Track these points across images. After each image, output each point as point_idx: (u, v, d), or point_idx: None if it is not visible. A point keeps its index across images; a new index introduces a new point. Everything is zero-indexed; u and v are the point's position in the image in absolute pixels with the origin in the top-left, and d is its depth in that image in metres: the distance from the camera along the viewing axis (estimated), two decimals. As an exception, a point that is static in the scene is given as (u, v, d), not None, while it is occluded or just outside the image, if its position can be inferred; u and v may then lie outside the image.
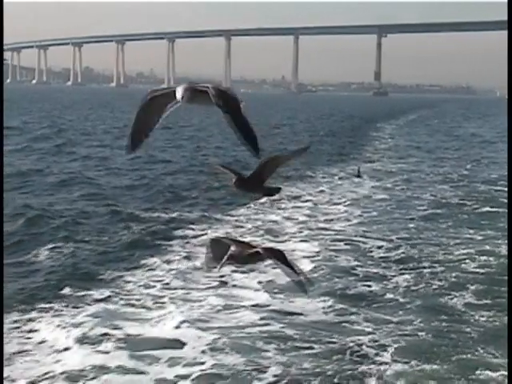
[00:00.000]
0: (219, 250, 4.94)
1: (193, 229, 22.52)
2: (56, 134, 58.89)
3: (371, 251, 20.61)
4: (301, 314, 14.95)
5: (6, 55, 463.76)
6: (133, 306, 15.07)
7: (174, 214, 24.75)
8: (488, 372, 12.17)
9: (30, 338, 13.09)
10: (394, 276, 17.98)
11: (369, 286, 17.11)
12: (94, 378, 11.58)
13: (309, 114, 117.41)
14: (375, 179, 36.55)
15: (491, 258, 19.50)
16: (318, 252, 20.17)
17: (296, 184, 33.22)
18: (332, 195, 30.89)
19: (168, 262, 18.56)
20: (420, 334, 14.04)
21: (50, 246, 19.78)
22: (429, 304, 15.84)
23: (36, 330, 13.45)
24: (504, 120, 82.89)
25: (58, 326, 13.62)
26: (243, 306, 15.30)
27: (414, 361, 12.62)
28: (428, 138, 69.95)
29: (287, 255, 4.84)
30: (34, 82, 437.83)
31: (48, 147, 47.77)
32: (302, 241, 21.55)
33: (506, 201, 27.32)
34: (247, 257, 4.82)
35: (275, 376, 11.96)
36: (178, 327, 13.86)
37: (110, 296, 15.58)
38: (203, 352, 12.78)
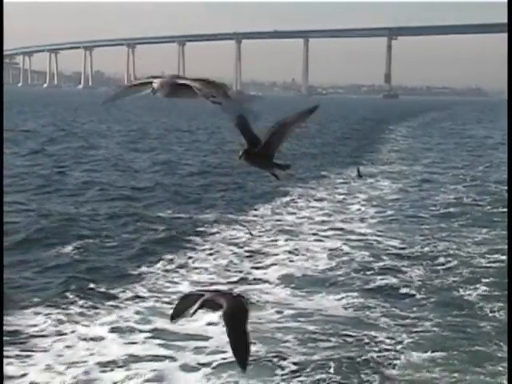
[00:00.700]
0: (187, 303, 4.85)
1: (213, 228, 23.17)
2: (72, 137, 59.68)
3: (387, 249, 21.22)
4: (319, 309, 15.53)
5: (18, 59, 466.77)
6: (160, 302, 15.65)
7: (194, 215, 25.41)
8: (503, 364, 12.55)
9: (72, 332, 13.72)
10: (409, 272, 18.59)
11: (385, 282, 17.72)
12: (126, 366, 12.22)
13: (320, 117, 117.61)
14: (389, 180, 37.20)
15: (503, 257, 19.92)
16: (334, 250, 20.83)
17: (311, 185, 33.95)
18: (347, 195, 31.53)
19: (192, 259, 19.23)
20: (435, 327, 14.57)
21: (76, 245, 20.42)
22: (443, 299, 16.42)
23: (75, 322, 14.14)
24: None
25: (95, 319, 14.32)
26: (264, 302, 15.87)
27: (428, 353, 13.14)
28: (440, 139, 70.25)
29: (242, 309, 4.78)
30: (45, 85, 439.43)
31: (65, 150, 48.48)
32: (318, 240, 22.17)
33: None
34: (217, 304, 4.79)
35: (295, 364, 12.57)
36: (203, 322, 14.37)
37: (139, 293, 16.21)
38: (227, 343, 13.28)
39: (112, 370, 12.08)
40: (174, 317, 4.96)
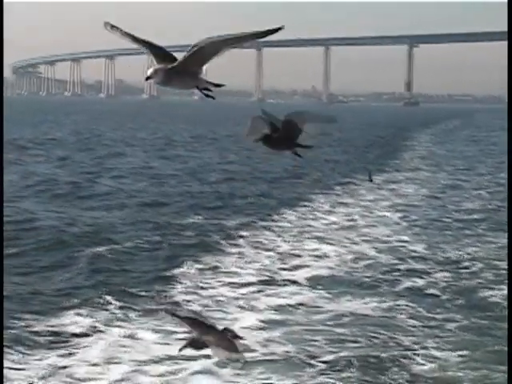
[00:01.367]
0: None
1: (242, 232, 23.71)
2: (97, 144, 60.51)
3: (412, 252, 21.63)
4: (347, 311, 15.96)
5: (41, 68, 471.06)
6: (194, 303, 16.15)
7: (221, 220, 25.93)
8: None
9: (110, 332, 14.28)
10: (434, 274, 19.01)
11: (411, 285, 18.14)
12: (164, 365, 12.74)
13: (342, 124, 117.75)
14: (414, 186, 37.70)
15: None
16: (361, 253, 21.30)
17: (336, 191, 34.52)
18: (372, 201, 31.99)
19: (223, 263, 19.76)
20: (460, 328, 14.94)
21: (108, 249, 20.96)
22: (468, 301, 16.80)
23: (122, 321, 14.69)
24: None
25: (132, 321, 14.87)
26: (291, 305, 16.32)
27: (454, 353, 13.51)
28: (464, 146, 70.31)
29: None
30: (68, 94, 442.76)
31: (92, 158, 49.29)
32: (344, 244, 22.64)
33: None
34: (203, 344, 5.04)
35: (324, 362, 13.01)
36: (236, 323, 14.82)
37: (174, 296, 16.74)
38: (257, 342, 13.78)
39: (150, 370, 12.55)
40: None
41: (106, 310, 15.46)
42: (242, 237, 22.93)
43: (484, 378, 12.56)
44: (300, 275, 18.72)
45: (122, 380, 12.10)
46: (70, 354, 12.96)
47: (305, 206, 29.63)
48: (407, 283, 18.19)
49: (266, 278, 18.34)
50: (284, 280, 18.21)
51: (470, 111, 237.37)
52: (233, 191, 33.86)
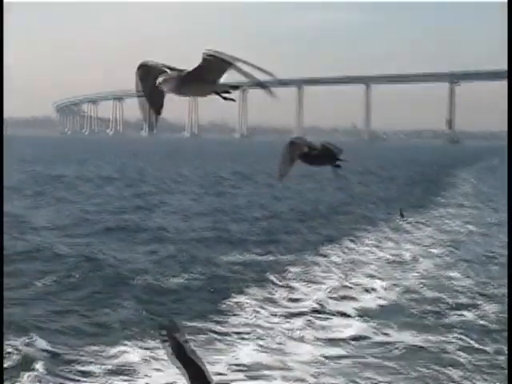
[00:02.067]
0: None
1: (289, 267, 24.09)
2: (144, 182, 61.79)
3: (458, 287, 21.82)
4: (396, 343, 16.18)
5: (84, 107, 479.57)
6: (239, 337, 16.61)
7: (270, 256, 26.50)
8: None
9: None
10: (483, 307, 19.19)
11: (459, 317, 18.36)
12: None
13: (384, 161, 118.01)
14: (458, 221, 37.97)
15: None
16: (405, 287, 21.69)
17: (380, 226, 35.04)
18: (415, 237, 32.43)
19: (270, 299, 20.03)
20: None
21: (154, 284, 21.51)
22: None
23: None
24: None
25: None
26: (338, 339, 16.54)
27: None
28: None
29: None
30: (110, 132, 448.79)
31: (135, 195, 50.62)
32: (390, 278, 22.98)
33: None
34: None
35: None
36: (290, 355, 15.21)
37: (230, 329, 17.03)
38: (307, 372, 14.15)
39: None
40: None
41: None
42: (291, 272, 23.31)
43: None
44: (349, 306, 19.09)
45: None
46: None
47: (351, 240, 30.09)
48: (456, 317, 18.36)
49: (317, 309, 18.71)
50: (334, 311, 18.60)
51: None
52: (280, 227, 34.50)
